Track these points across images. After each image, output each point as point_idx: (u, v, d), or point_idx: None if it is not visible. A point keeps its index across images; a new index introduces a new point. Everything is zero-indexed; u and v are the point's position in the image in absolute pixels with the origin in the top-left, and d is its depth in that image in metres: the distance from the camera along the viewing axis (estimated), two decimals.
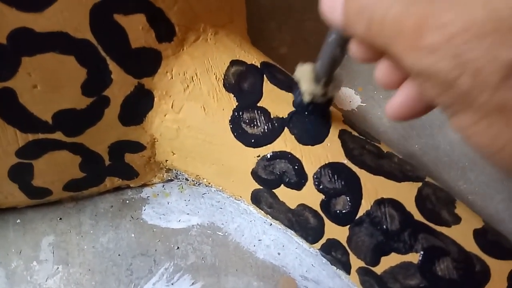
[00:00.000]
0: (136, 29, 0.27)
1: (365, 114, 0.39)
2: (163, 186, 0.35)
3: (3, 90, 0.25)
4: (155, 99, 0.29)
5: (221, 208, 0.34)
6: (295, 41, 0.44)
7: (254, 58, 0.31)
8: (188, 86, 0.29)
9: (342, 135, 0.29)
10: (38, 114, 0.27)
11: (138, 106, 0.29)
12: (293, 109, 0.29)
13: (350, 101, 0.40)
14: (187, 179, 0.35)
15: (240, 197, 0.32)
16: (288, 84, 0.30)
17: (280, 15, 0.46)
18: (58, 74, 0.26)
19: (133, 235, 0.33)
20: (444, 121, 0.38)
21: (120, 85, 0.28)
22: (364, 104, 0.39)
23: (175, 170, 0.34)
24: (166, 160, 0.32)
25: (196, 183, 0.35)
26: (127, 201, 0.34)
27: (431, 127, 0.38)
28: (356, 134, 0.29)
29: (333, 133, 0.29)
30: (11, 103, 0.26)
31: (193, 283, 0.31)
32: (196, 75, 0.29)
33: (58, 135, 0.28)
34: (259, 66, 0.30)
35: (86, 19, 0.25)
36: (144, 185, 0.35)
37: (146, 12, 0.27)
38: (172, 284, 0.31)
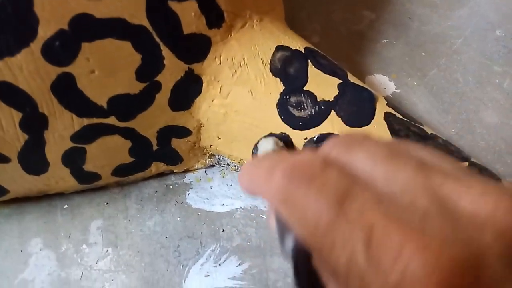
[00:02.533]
0: (189, 15, 0.27)
1: (400, 100, 0.39)
2: (205, 171, 0.36)
3: (62, 75, 0.26)
4: (204, 84, 0.30)
5: None
6: (325, 30, 0.45)
7: (298, 43, 0.31)
8: (236, 71, 0.30)
9: (387, 117, 0.29)
10: (94, 99, 0.27)
11: (187, 92, 0.30)
12: (338, 92, 0.29)
13: (385, 88, 0.40)
14: (228, 164, 0.36)
15: None
16: (331, 69, 0.31)
17: (310, 5, 0.47)
18: (115, 60, 0.27)
19: (178, 218, 0.34)
20: (479, 105, 0.39)
21: (172, 70, 0.28)
22: (398, 91, 0.40)
23: (218, 155, 0.35)
24: (211, 145, 0.33)
25: (238, 168, 0.35)
26: (171, 186, 0.35)
27: (466, 112, 0.38)
28: (400, 116, 0.30)
29: (379, 115, 0.29)
30: (70, 88, 0.27)
31: (239, 264, 0.32)
32: (244, 61, 0.30)
33: (111, 120, 0.29)
34: (303, 52, 0.31)
35: (142, 6, 0.26)
36: (187, 171, 0.36)
37: None
38: (220, 264, 0.32)
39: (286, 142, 0.29)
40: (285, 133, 0.29)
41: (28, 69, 0.25)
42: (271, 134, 0.29)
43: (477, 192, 0.12)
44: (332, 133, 0.29)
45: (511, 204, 0.12)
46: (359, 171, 0.14)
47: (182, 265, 0.32)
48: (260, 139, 0.28)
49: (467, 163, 0.28)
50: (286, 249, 0.14)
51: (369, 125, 0.29)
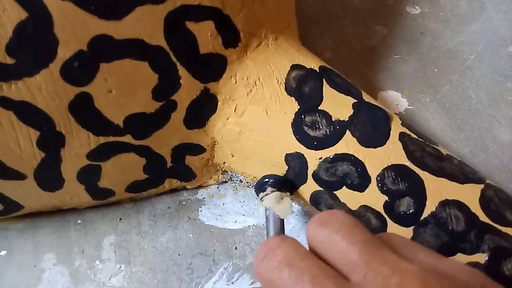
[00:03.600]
0: (205, 35, 0.28)
1: (412, 117, 0.39)
2: (218, 187, 0.36)
3: (80, 95, 0.26)
4: (219, 103, 0.30)
5: None
6: (337, 45, 0.45)
7: (312, 62, 0.32)
8: (251, 90, 0.30)
9: (402, 137, 0.29)
10: (111, 118, 0.28)
11: (203, 110, 0.30)
12: (353, 111, 0.29)
13: (397, 104, 0.40)
14: (241, 181, 0.36)
15: (298, 198, 0.33)
16: (346, 88, 0.31)
17: (321, 21, 0.47)
18: (132, 80, 0.27)
19: (191, 235, 0.34)
20: (492, 123, 0.39)
21: (188, 89, 0.29)
22: (411, 107, 0.40)
23: (231, 172, 0.35)
24: (224, 162, 0.33)
25: (251, 185, 0.35)
26: (184, 202, 0.35)
27: (480, 129, 0.38)
28: (415, 136, 0.30)
29: (394, 135, 0.29)
30: (87, 107, 0.27)
31: (252, 282, 0.32)
32: (259, 80, 0.30)
33: (127, 138, 0.29)
34: (317, 70, 0.31)
35: (160, 27, 0.26)
36: (199, 187, 0.36)
37: (215, 19, 0.28)
38: (232, 283, 0.32)
39: (284, 183, 0.30)
40: (293, 154, 0.29)
41: (47, 89, 0.25)
42: (267, 179, 0.30)
43: None
44: (348, 153, 0.29)
45: None
46: None
47: (195, 283, 0.32)
48: (256, 187, 0.30)
49: (482, 185, 0.28)
50: None
51: (384, 146, 0.29)
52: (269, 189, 0.30)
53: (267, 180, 0.30)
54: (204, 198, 0.36)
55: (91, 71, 0.26)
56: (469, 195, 0.27)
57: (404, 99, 0.40)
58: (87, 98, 0.26)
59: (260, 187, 0.30)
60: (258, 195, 0.31)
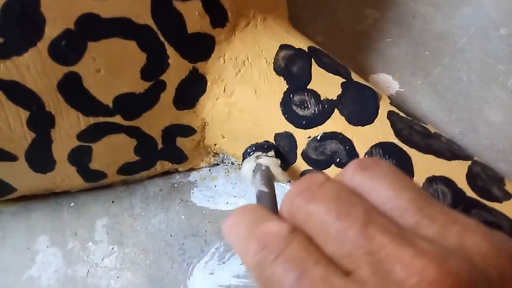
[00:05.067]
0: (193, 14, 0.28)
1: (403, 99, 0.39)
2: (210, 170, 0.36)
3: (69, 74, 0.26)
4: (208, 83, 0.30)
5: None
6: (329, 30, 0.45)
7: (301, 42, 0.32)
8: (240, 70, 0.30)
9: (390, 115, 0.29)
10: (100, 98, 0.28)
11: (192, 90, 0.30)
12: (341, 91, 0.30)
13: (388, 87, 0.40)
14: (232, 163, 0.36)
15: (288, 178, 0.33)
16: (335, 68, 0.31)
17: (313, 5, 0.47)
18: (120, 59, 0.27)
19: (183, 216, 0.34)
20: (482, 104, 0.39)
21: (176, 69, 0.29)
22: (402, 90, 0.40)
23: (222, 154, 0.35)
24: (215, 144, 0.33)
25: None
26: (176, 185, 0.36)
27: (470, 111, 0.39)
28: (403, 115, 0.30)
29: (382, 114, 0.29)
30: (76, 87, 0.27)
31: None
32: (248, 59, 0.30)
33: (117, 119, 0.29)
34: (306, 51, 0.31)
35: (147, 5, 0.26)
36: (191, 169, 0.36)
37: None
38: (224, 262, 0.32)
39: (273, 149, 0.30)
40: (281, 133, 0.29)
41: (35, 68, 0.26)
42: (254, 146, 0.29)
43: (408, 257, 0.13)
44: (336, 132, 0.29)
45: (435, 275, 0.13)
46: (316, 231, 0.16)
47: (187, 263, 0.32)
48: (244, 154, 0.29)
49: (470, 162, 0.28)
50: None
51: (372, 124, 0.29)
52: (270, 152, 0.29)
53: (267, 146, 0.29)
54: (196, 180, 0.36)
55: (78, 50, 0.26)
56: (456, 171, 0.27)
57: (395, 82, 0.41)
58: (75, 78, 0.27)
59: (259, 148, 0.29)
60: (251, 154, 0.29)
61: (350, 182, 0.17)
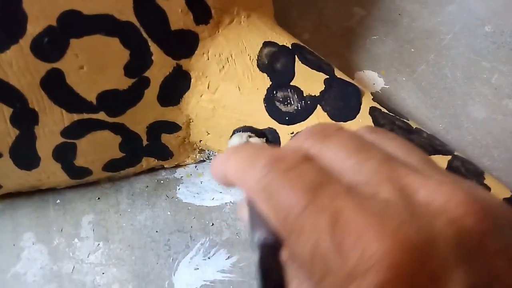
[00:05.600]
0: (176, 11, 0.28)
1: (389, 96, 0.40)
2: (196, 166, 0.36)
3: (51, 71, 0.26)
4: (192, 80, 0.30)
5: None
6: (316, 27, 0.46)
7: (285, 39, 0.32)
8: (223, 67, 0.30)
9: (372, 111, 0.30)
10: (84, 95, 0.28)
11: (176, 87, 0.30)
12: (324, 87, 0.30)
13: (374, 84, 0.41)
14: None
15: None
16: (318, 64, 0.31)
17: (301, 2, 0.48)
18: (103, 56, 0.27)
19: (169, 213, 0.34)
20: (466, 100, 0.39)
21: (160, 66, 0.29)
22: (387, 86, 0.40)
23: (208, 150, 0.35)
24: (200, 140, 0.34)
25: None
26: (162, 181, 0.36)
27: (454, 107, 0.39)
28: (385, 111, 0.30)
29: (364, 109, 0.30)
30: (59, 83, 0.27)
31: (228, 257, 0.32)
32: (231, 56, 0.30)
33: (101, 115, 0.29)
34: (290, 47, 0.32)
35: (130, 2, 0.26)
36: (177, 166, 0.36)
37: None
38: (209, 258, 0.32)
39: (264, 137, 0.29)
40: (266, 129, 0.30)
41: (18, 65, 0.26)
42: (246, 128, 0.29)
43: (434, 184, 0.13)
44: None
45: (463, 197, 0.13)
46: (331, 162, 0.14)
47: (172, 259, 0.32)
48: (234, 131, 0.29)
49: (450, 156, 0.29)
50: (255, 241, 0.14)
51: (354, 120, 0.29)
52: (262, 139, 0.29)
53: (260, 132, 0.29)
54: (182, 177, 0.36)
55: (61, 47, 0.26)
56: None
57: (381, 79, 0.41)
58: (58, 74, 0.27)
59: (252, 130, 0.29)
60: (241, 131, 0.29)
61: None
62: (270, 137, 0.30)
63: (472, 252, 0.12)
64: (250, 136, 0.28)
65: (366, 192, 0.13)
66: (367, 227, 0.12)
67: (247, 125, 0.30)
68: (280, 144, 0.30)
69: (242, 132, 0.29)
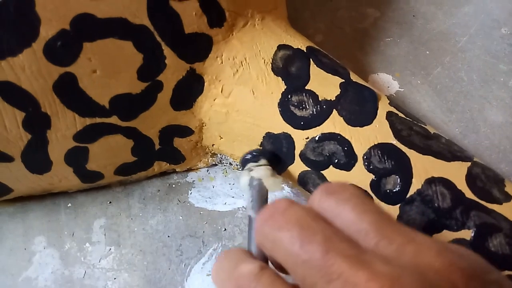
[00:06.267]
0: (190, 14, 0.27)
1: (403, 99, 0.39)
2: (208, 170, 0.36)
3: (64, 75, 0.26)
4: (205, 83, 0.30)
5: None
6: (329, 29, 0.45)
7: (299, 42, 0.31)
8: (237, 70, 0.30)
9: (389, 116, 0.29)
10: (96, 99, 0.28)
11: (189, 91, 0.30)
12: (340, 91, 0.29)
13: (388, 87, 0.40)
14: (231, 164, 0.36)
15: (287, 179, 0.33)
16: (334, 68, 0.31)
17: (314, 4, 0.47)
18: (117, 59, 0.27)
19: (181, 217, 0.34)
20: (483, 104, 0.39)
21: (173, 70, 0.28)
22: (402, 90, 0.40)
23: (220, 154, 0.35)
24: (213, 145, 0.33)
25: (240, 168, 0.35)
26: (173, 185, 0.35)
27: (471, 111, 0.38)
28: (402, 115, 0.30)
29: (381, 114, 0.29)
30: (72, 88, 0.27)
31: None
32: (245, 60, 0.30)
33: (114, 119, 0.29)
34: (305, 51, 0.31)
35: (144, 5, 0.26)
36: (189, 170, 0.36)
37: None
38: None
39: (276, 158, 0.29)
40: (280, 134, 0.29)
41: (30, 69, 0.25)
42: (250, 154, 0.29)
43: (364, 279, 0.14)
44: (335, 133, 0.29)
45: None
46: (283, 260, 0.17)
47: (184, 264, 0.32)
48: (248, 157, 0.29)
49: (469, 163, 0.28)
50: None
51: (371, 125, 0.29)
52: (262, 160, 0.29)
53: (256, 153, 0.29)
54: (194, 181, 0.36)
55: (74, 51, 0.26)
56: (456, 172, 0.27)
57: (395, 82, 0.40)
58: (71, 79, 0.26)
59: (252, 158, 0.29)
60: (245, 166, 0.29)
61: (318, 207, 0.18)
62: (280, 145, 0.30)
63: None
64: (251, 170, 0.28)
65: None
66: None
67: (263, 130, 0.30)
68: (294, 150, 0.29)
69: (246, 163, 0.29)
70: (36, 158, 0.29)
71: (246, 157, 0.29)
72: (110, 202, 0.35)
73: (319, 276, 0.15)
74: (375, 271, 0.14)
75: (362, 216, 0.16)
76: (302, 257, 0.15)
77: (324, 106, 0.29)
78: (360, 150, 0.28)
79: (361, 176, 0.28)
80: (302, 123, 0.29)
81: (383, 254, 0.15)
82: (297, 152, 0.30)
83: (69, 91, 0.27)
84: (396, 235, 0.16)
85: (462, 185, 0.27)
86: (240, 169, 0.35)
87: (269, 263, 0.20)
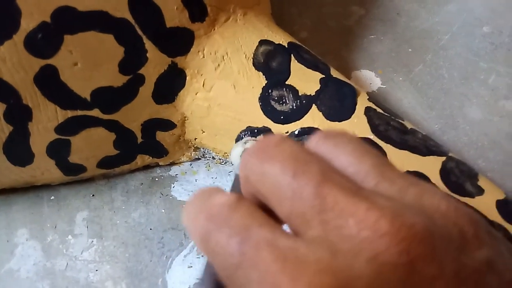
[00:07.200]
0: (171, 9, 0.28)
1: (385, 96, 0.40)
2: (191, 164, 0.36)
3: (45, 68, 0.26)
4: (187, 77, 0.30)
5: None
6: (315, 25, 0.45)
7: (281, 38, 0.32)
8: (219, 65, 0.30)
9: (367, 111, 0.30)
10: (78, 91, 0.28)
11: (171, 85, 0.30)
12: (320, 86, 0.30)
13: (370, 83, 0.40)
14: (213, 158, 0.36)
15: None
16: (315, 63, 0.31)
17: (300, 1, 0.47)
18: (98, 52, 0.27)
19: (163, 210, 0.34)
20: (463, 101, 0.39)
21: (155, 63, 0.29)
22: (384, 86, 0.40)
23: (203, 148, 0.35)
24: (195, 138, 0.34)
25: (223, 162, 0.36)
26: (156, 179, 0.36)
27: (451, 108, 0.39)
28: (380, 111, 0.30)
29: (359, 110, 0.30)
30: (53, 80, 0.27)
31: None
32: (227, 54, 0.30)
33: (95, 112, 0.29)
34: (286, 46, 0.31)
35: None
36: (172, 164, 0.36)
37: None
38: (202, 256, 0.32)
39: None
40: (264, 127, 0.30)
41: (11, 61, 0.25)
42: (249, 129, 0.29)
43: (363, 210, 0.12)
44: (313, 127, 0.29)
45: (387, 226, 0.12)
46: (268, 195, 0.15)
47: (166, 256, 0.32)
48: (240, 136, 0.29)
49: (444, 157, 0.29)
50: None
51: (349, 120, 0.29)
52: (260, 137, 0.29)
53: (257, 131, 0.29)
54: (177, 174, 0.36)
55: (55, 43, 0.26)
56: (430, 167, 0.28)
57: (378, 78, 0.41)
58: (52, 71, 0.27)
59: (251, 133, 0.29)
60: (242, 138, 0.29)
61: (314, 150, 0.16)
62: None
63: (399, 287, 0.12)
64: (246, 142, 0.28)
65: (299, 229, 0.13)
66: (282, 277, 0.12)
67: (244, 125, 0.30)
68: None
69: (243, 137, 0.29)
70: (18, 150, 0.29)
71: (247, 131, 0.29)
72: (93, 195, 0.35)
73: (310, 207, 0.13)
74: (376, 203, 0.13)
75: (362, 158, 0.15)
76: (292, 186, 0.14)
77: (304, 101, 0.29)
78: None
79: None
80: (282, 117, 0.30)
81: (385, 194, 0.14)
82: None
83: (50, 84, 0.27)
84: (398, 177, 0.14)
85: (436, 178, 0.27)
86: (223, 163, 0.36)
87: None
